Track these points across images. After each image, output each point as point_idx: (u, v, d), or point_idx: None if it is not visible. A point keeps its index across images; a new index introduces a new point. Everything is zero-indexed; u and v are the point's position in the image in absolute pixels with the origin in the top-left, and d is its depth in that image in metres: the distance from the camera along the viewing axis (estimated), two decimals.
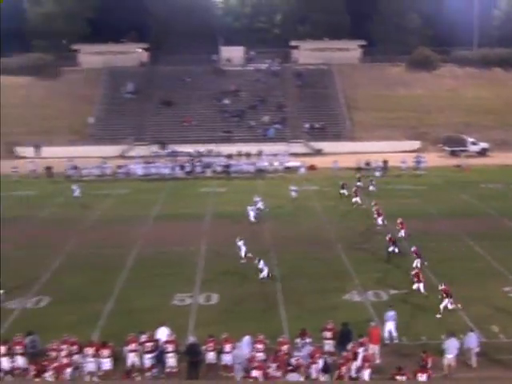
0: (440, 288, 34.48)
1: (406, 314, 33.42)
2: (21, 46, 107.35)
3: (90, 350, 28.17)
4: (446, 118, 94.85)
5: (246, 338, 28.70)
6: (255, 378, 25.83)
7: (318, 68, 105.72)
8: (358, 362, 26.93)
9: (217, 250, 45.61)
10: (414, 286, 36.78)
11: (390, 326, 30.73)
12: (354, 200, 58.76)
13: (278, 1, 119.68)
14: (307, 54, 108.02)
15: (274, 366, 26.57)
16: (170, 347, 28.47)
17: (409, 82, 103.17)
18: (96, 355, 28.12)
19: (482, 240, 47.08)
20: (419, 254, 40.70)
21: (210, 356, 28.33)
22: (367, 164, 75.83)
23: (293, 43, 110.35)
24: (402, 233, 47.34)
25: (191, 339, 29.42)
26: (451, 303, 33.78)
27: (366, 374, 26.67)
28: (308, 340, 28.65)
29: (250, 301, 36.20)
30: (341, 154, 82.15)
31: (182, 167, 77.08)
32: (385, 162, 75.84)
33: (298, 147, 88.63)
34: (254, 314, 34.20)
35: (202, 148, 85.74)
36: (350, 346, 27.78)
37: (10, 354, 28.61)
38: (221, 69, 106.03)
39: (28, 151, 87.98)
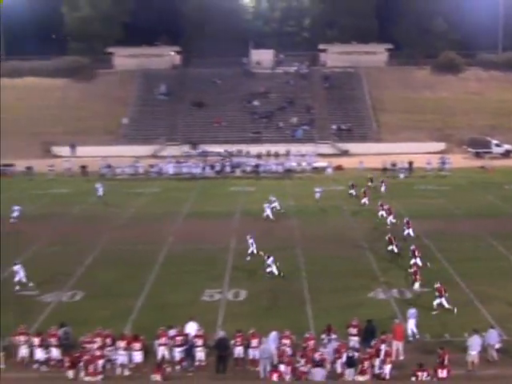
0: (435, 286, 34.34)
1: (430, 311, 33.22)
2: (58, 48, 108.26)
3: (122, 343, 28.32)
4: (470, 121, 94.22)
5: (273, 334, 28.69)
6: (281, 373, 25.91)
7: (345, 71, 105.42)
8: (381, 358, 26.88)
9: (245, 247, 45.56)
10: (415, 286, 36.71)
11: (411, 324, 30.61)
12: (362, 201, 58.45)
13: (307, 5, 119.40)
14: (335, 57, 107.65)
15: (302, 361, 26.67)
16: (199, 341, 28.53)
17: (434, 85, 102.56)
18: (128, 348, 28.26)
19: (505, 240, 46.58)
20: (418, 253, 40.42)
21: (238, 350, 28.38)
22: (393, 165, 75.45)
23: (321, 47, 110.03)
24: (410, 232, 47.15)
25: (220, 334, 29.44)
26: (448, 302, 33.53)
27: (387, 369, 26.63)
28: (333, 336, 28.61)
29: (277, 297, 36.16)
30: (367, 154, 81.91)
31: (213, 167, 77.20)
32: (410, 163, 75.41)
33: (325, 148, 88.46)
34: (281, 311, 34.18)
35: (231, 148, 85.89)
36: (373, 343, 27.73)
37: (45, 345, 28.92)
38: (251, 71, 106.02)
39: (64, 150, 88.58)
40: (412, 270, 37.78)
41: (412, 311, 31.09)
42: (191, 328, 29.57)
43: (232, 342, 28.47)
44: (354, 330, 29.28)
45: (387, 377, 26.41)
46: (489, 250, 45.06)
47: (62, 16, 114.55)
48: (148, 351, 28.75)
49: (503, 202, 60.30)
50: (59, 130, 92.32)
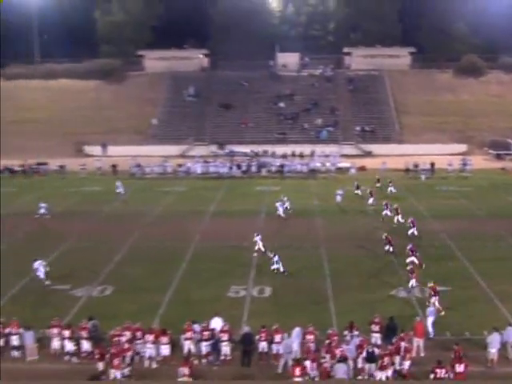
0: (429, 285, 34.23)
1: (451, 309, 33.07)
2: (90, 52, 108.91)
3: (150, 337, 28.48)
4: (491, 123, 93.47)
5: (296, 330, 28.71)
6: (303, 367, 25.93)
7: (369, 74, 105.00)
8: (401, 355, 26.84)
9: (271, 244, 45.56)
10: (410, 283, 36.54)
11: (430, 322, 30.48)
12: (369, 201, 57.99)
13: (332, 9, 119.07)
14: (359, 60, 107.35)
15: (327, 356, 26.72)
16: (224, 336, 28.62)
17: (456, 88, 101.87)
18: (156, 342, 28.43)
19: None
20: (415, 251, 40.25)
21: (262, 345, 28.45)
22: (415, 166, 75.04)
23: (345, 50, 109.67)
24: (414, 231, 46.93)
25: (245, 329, 29.51)
26: (439, 303, 33.30)
27: (406, 365, 26.63)
28: (356, 332, 28.59)
29: (301, 294, 36.14)
30: (390, 155, 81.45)
31: (239, 166, 77.25)
32: (432, 164, 74.94)
33: (349, 149, 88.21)
34: (305, 307, 34.15)
35: (257, 148, 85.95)
36: (394, 340, 27.67)
37: (75, 337, 29.17)
38: (277, 74, 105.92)
39: (95, 150, 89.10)
40: (409, 268, 37.73)
41: (431, 309, 31.04)
42: (216, 323, 29.67)
43: (256, 337, 28.55)
44: (376, 327, 29.27)
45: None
46: (509, 249, 44.72)
47: (95, 21, 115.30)
48: (175, 345, 28.90)
49: None
50: (91, 130, 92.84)
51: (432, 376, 24.87)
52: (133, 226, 52.10)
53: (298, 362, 26.39)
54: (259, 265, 41.61)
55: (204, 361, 28.51)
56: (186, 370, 25.79)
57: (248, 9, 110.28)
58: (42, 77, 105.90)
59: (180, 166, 77.99)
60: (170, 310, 34.11)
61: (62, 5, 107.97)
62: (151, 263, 42.24)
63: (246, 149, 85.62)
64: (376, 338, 28.97)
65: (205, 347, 28.68)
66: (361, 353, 27.16)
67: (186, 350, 28.47)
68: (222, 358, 28.55)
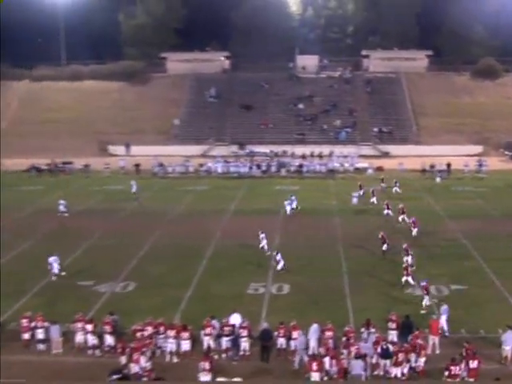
0: (421, 285, 34.25)
1: (466, 308, 32.94)
2: (115, 54, 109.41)
3: (171, 332, 28.59)
4: (507, 125, 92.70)
5: (314, 326, 28.72)
6: (320, 362, 25.95)
7: (387, 76, 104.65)
8: (416, 352, 26.80)
9: (289, 243, 45.61)
10: (403, 279, 36.58)
11: (443, 320, 30.36)
12: (371, 200, 57.74)
13: (351, 13, 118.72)
14: (377, 62, 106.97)
15: (345, 352, 26.76)
16: (244, 332, 28.67)
17: (473, 90, 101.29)
18: (177, 337, 28.52)
19: None
20: (409, 250, 40.03)
21: (280, 341, 28.48)
22: (431, 166, 74.64)
23: (364, 52, 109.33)
24: (415, 231, 46.68)
25: (264, 325, 29.55)
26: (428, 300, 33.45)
27: (421, 362, 26.56)
28: (372, 330, 28.52)
29: (319, 292, 36.10)
30: (407, 156, 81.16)
31: (259, 166, 77.26)
32: (448, 165, 74.55)
33: (366, 149, 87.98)
34: (322, 304, 34.09)
35: (277, 149, 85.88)
36: (409, 338, 27.61)
37: (97, 331, 29.40)
38: (296, 76, 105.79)
39: (119, 149, 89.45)
40: (403, 266, 37.72)
41: (444, 307, 30.92)
42: (235, 319, 29.74)
43: (275, 333, 28.58)
44: (392, 325, 29.22)
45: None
46: None
47: (119, 23, 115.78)
48: (195, 340, 28.98)
49: None
50: (115, 130, 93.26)
51: (446, 373, 24.81)
52: (155, 223, 52.25)
53: (315, 357, 26.47)
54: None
55: (224, 356, 28.58)
56: (206, 365, 25.87)
57: (268, 12, 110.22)
58: (68, 78, 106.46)
59: (201, 165, 78.06)
60: (190, 306, 34.19)
61: (88, 8, 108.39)
62: (173, 260, 42.36)
63: (266, 149, 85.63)
64: (392, 335, 28.92)
65: (225, 342, 28.77)
66: (376, 349, 27.16)
67: (205, 346, 28.52)
68: (242, 353, 28.61)
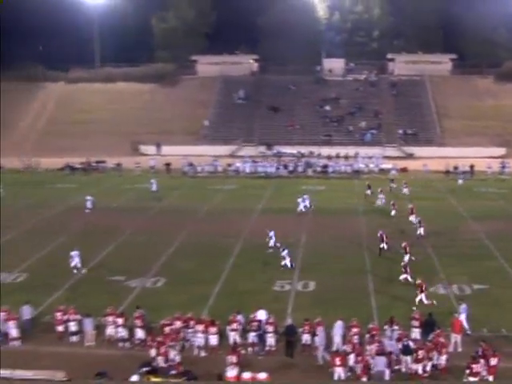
0: (416, 283, 34.13)
1: (488, 307, 32.69)
2: (146, 57, 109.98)
3: (200, 327, 28.65)
4: None
5: (338, 323, 28.65)
6: (343, 357, 25.91)
7: (411, 79, 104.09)
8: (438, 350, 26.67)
9: (315, 241, 45.53)
10: (401, 277, 36.63)
11: (463, 318, 30.14)
12: (378, 200, 57.77)
13: (377, 17, 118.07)
14: (402, 66, 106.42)
15: (369, 349, 26.71)
16: (270, 328, 28.67)
17: (497, 93, 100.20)
18: (205, 332, 28.58)
19: None
20: (408, 249, 40.00)
21: (305, 337, 28.43)
22: (455, 168, 74.15)
23: (389, 56, 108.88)
24: (421, 231, 46.38)
25: (288, 321, 29.54)
26: (426, 298, 33.25)
27: (442, 360, 26.42)
28: (395, 327, 28.37)
29: (344, 289, 35.96)
30: (431, 158, 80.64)
31: (286, 166, 77.27)
32: (471, 166, 73.98)
33: (391, 151, 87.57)
34: (347, 302, 33.95)
35: (304, 150, 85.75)
36: (431, 336, 27.47)
37: (128, 325, 29.61)
38: (323, 78, 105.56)
39: (150, 149, 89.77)
40: (402, 264, 37.76)
41: (463, 306, 30.73)
42: (261, 315, 29.74)
43: (300, 329, 28.55)
44: (416, 323, 29.11)
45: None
46: None
47: (152, 27, 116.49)
48: (222, 335, 29.01)
49: None
50: (146, 130, 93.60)
51: (468, 371, 24.64)
52: (184, 221, 52.40)
53: (338, 352, 26.52)
54: (304, 260, 41.55)
55: (250, 350, 28.59)
56: (233, 359, 25.96)
57: (296, 16, 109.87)
58: (102, 80, 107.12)
59: (230, 165, 78.24)
60: (218, 302, 34.23)
61: (121, 13, 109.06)
62: (201, 257, 42.41)
63: (293, 150, 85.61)
64: (416, 332, 28.80)
65: (251, 338, 28.79)
66: (398, 345, 27.08)
67: (231, 341, 28.56)
68: (267, 348, 28.63)
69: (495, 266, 40.04)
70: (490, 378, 24.81)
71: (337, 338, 28.20)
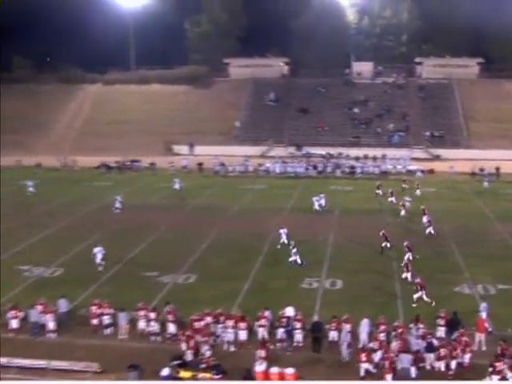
0: (416, 281, 33.92)
1: (507, 306, 32.36)
2: (180, 59, 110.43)
3: (230, 322, 28.69)
4: None
5: (365, 321, 28.55)
6: (368, 353, 25.81)
7: (439, 82, 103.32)
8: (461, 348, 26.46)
9: (343, 241, 45.37)
10: (403, 275, 36.41)
11: (484, 317, 29.85)
12: (389, 200, 57.48)
13: (405, 22, 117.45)
14: (430, 69, 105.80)
15: (395, 346, 26.61)
16: (298, 324, 28.64)
17: None
18: (235, 327, 28.61)
19: None
20: (410, 248, 39.80)
21: (332, 334, 28.36)
22: (481, 170, 73.37)
23: (417, 60, 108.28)
24: (431, 230, 46.31)
25: (315, 317, 29.48)
26: (426, 296, 33.07)
27: (466, 358, 26.24)
28: (421, 325, 28.18)
29: (371, 288, 35.79)
30: (457, 160, 79.94)
31: (315, 167, 77.10)
32: (497, 168, 73.11)
33: (418, 153, 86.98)
34: (374, 300, 33.84)
35: (332, 151, 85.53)
36: (455, 335, 27.27)
37: (159, 319, 29.77)
38: (352, 81, 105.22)
39: (183, 149, 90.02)
40: (404, 263, 37.61)
41: (484, 305, 30.53)
42: (289, 312, 29.70)
43: (328, 326, 28.48)
44: (441, 321, 28.90)
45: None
46: None
47: (185, 31, 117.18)
48: (251, 331, 29.02)
49: None
50: (179, 130, 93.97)
51: (491, 369, 24.49)
52: (216, 219, 52.49)
53: (364, 348, 26.52)
54: (332, 259, 41.46)
55: (278, 346, 28.56)
56: (262, 353, 26.15)
57: (326, 21, 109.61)
58: (137, 82, 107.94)
59: (260, 165, 78.20)
60: (247, 299, 34.24)
61: (156, 17, 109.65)
62: (232, 254, 42.47)
63: (322, 151, 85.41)
64: (441, 331, 28.60)
65: (280, 334, 28.76)
66: (422, 343, 26.94)
67: (260, 337, 28.60)
68: (295, 344, 28.58)
69: None
70: None
71: (363, 336, 28.11)
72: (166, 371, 24.96)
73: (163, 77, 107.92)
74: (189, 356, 26.86)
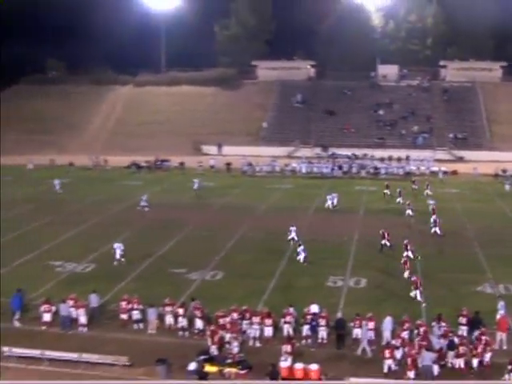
0: (412, 279, 33.89)
1: None
2: (209, 62, 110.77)
3: (256, 319, 28.67)
4: None
5: (388, 319, 28.39)
6: (392, 350, 25.66)
7: (462, 85, 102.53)
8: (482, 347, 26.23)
9: (368, 240, 45.11)
10: (406, 274, 36.35)
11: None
12: (397, 200, 57.29)
13: (430, 26, 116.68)
14: (454, 72, 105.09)
15: (417, 344, 26.44)
16: (322, 321, 28.55)
17: None
18: (261, 323, 28.59)
19: None
20: (409, 246, 39.50)
21: (356, 332, 28.23)
22: (503, 171, 72.76)
23: (441, 63, 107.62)
24: (437, 230, 46.08)
25: (338, 315, 29.39)
26: (420, 295, 33.04)
27: (487, 357, 25.99)
28: (443, 324, 27.96)
29: (394, 286, 35.61)
30: (480, 161, 79.23)
31: (341, 167, 76.95)
32: None
33: (442, 154, 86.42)
34: (397, 298, 33.65)
35: (358, 152, 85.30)
36: (476, 333, 27.05)
37: (187, 315, 29.82)
38: (377, 84, 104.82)
39: (212, 149, 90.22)
40: (403, 261, 37.43)
41: (501, 303, 30.28)
42: (313, 309, 29.62)
43: (351, 324, 28.37)
44: (463, 320, 28.65)
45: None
46: None
47: (214, 34, 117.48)
48: (277, 327, 28.96)
49: None
50: (208, 131, 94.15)
51: (510, 367, 24.24)
52: (243, 218, 52.50)
53: (388, 345, 26.50)
54: (357, 258, 41.28)
55: (303, 342, 28.48)
56: (288, 348, 26.14)
57: (352, 25, 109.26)
58: (167, 84, 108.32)
59: (287, 165, 78.24)
60: (272, 296, 34.17)
61: (186, 20, 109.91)
62: (259, 252, 42.44)
63: (348, 152, 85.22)
64: (463, 330, 28.34)
65: (305, 330, 28.70)
66: (444, 341, 26.78)
67: (285, 333, 28.57)
68: (319, 341, 28.51)
69: None
70: None
71: (386, 333, 27.98)
72: (192, 365, 25.01)
73: (193, 79, 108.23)
74: (214, 351, 26.89)
